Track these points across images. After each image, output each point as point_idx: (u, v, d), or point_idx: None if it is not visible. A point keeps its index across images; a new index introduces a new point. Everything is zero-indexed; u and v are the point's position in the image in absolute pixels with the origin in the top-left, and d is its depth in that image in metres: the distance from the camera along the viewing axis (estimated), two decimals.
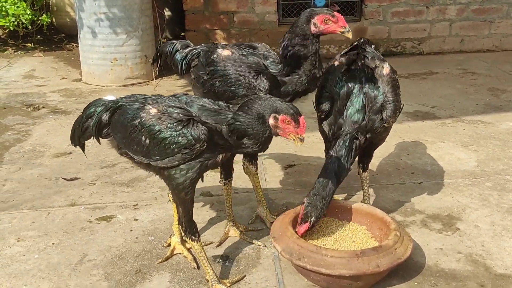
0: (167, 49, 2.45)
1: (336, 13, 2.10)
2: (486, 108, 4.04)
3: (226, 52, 2.20)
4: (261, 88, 2.07)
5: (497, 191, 2.73)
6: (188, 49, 2.39)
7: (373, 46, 2.45)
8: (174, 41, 2.47)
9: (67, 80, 4.99)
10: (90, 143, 3.42)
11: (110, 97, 2.10)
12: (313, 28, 2.10)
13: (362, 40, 2.45)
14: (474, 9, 5.78)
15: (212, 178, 2.92)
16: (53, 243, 2.34)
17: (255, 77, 2.10)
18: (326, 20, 2.08)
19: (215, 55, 2.21)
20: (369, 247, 2.06)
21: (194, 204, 1.98)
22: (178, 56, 2.40)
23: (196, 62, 2.32)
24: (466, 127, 3.66)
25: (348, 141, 2.15)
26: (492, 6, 5.78)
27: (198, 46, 2.40)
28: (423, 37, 5.81)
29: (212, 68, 2.19)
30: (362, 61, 2.32)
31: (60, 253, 2.26)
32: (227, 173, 2.28)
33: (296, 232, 2.06)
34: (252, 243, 2.30)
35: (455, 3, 5.72)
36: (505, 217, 2.48)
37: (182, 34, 5.94)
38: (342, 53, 2.38)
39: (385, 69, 2.28)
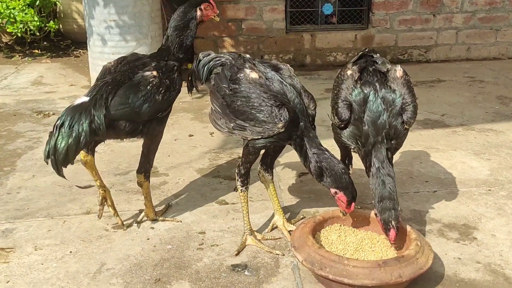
0: (193, 67, 2.47)
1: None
2: (496, 117, 4.05)
3: (254, 75, 2.19)
4: (282, 119, 2.08)
5: None
6: (210, 57, 2.40)
7: (378, 55, 2.46)
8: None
9: (76, 86, 5.00)
10: (102, 150, 3.46)
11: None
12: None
13: (367, 50, 2.47)
14: (481, 18, 5.80)
15: (226, 186, 2.93)
16: (70, 252, 2.34)
17: (279, 108, 2.10)
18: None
19: (242, 75, 2.21)
20: (388, 256, 2.06)
21: (210, 212, 1.96)
22: (201, 63, 2.42)
23: (218, 70, 2.33)
24: (477, 136, 3.66)
25: (383, 148, 2.15)
26: (498, 14, 5.81)
27: (222, 55, 2.40)
28: (430, 45, 5.83)
29: (237, 86, 2.18)
30: (373, 67, 2.33)
31: (78, 262, 2.26)
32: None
33: (315, 241, 2.06)
34: (271, 252, 2.30)
35: (461, 11, 5.74)
36: None
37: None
38: (352, 61, 2.40)
39: (398, 71, 2.29)
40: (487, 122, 3.94)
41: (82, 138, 2.15)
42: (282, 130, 2.10)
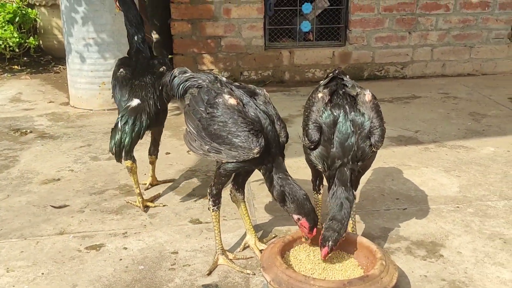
0: (166, 79, 2.52)
1: None
2: (467, 133, 4.16)
3: (232, 101, 2.23)
4: (257, 145, 2.14)
5: (478, 217, 2.81)
6: (186, 75, 2.45)
7: (347, 77, 2.53)
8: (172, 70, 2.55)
9: (55, 104, 5.00)
10: (78, 169, 3.47)
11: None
12: None
13: (337, 71, 2.54)
14: (455, 35, 5.95)
15: (201, 205, 2.96)
16: (42, 273, 2.35)
17: (255, 134, 2.15)
18: None
19: (220, 100, 2.24)
20: (356, 276, 2.11)
21: (183, 231, 1.97)
22: (176, 80, 2.47)
23: (194, 92, 2.36)
24: (448, 152, 3.75)
25: (348, 171, 2.21)
26: (472, 32, 5.96)
27: (199, 75, 2.44)
28: (406, 62, 5.96)
29: (215, 111, 2.22)
30: (343, 90, 2.39)
31: (49, 284, 2.27)
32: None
33: (283, 261, 2.10)
34: (242, 272, 2.33)
35: (436, 28, 5.88)
36: (487, 243, 2.56)
37: (170, 57, 6.00)
38: (322, 83, 2.46)
39: (367, 95, 2.35)
40: (459, 138, 4.04)
41: (141, 132, 2.76)
42: (257, 155, 2.15)
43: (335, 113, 2.29)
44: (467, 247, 2.53)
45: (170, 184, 3.27)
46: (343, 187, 2.19)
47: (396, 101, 5.06)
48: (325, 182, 2.68)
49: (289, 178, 2.23)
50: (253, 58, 5.67)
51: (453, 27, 5.91)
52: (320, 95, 2.38)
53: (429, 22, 5.85)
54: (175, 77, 2.49)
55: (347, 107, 2.32)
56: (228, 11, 5.48)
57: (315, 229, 2.20)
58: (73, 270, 2.37)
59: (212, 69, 5.62)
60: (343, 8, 5.76)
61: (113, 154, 2.77)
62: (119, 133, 2.73)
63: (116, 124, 2.75)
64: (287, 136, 2.32)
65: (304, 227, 2.20)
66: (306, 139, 2.33)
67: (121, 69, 2.99)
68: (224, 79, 2.42)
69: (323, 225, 2.18)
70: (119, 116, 2.77)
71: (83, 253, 2.50)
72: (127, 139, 2.73)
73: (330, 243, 2.12)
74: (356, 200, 2.51)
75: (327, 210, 2.24)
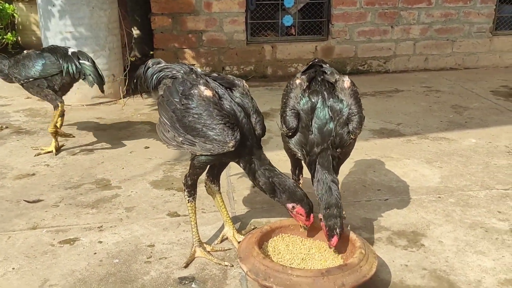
0: (141, 71, 2.46)
1: None
2: (450, 125, 4.14)
3: (207, 93, 2.16)
4: (232, 139, 2.08)
5: (460, 206, 2.79)
6: (160, 65, 2.38)
7: (327, 65, 2.49)
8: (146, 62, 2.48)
9: (32, 99, 4.89)
10: (54, 163, 3.39)
11: None
12: None
13: (316, 60, 2.50)
14: (437, 29, 5.95)
15: (179, 198, 2.90)
16: (13, 268, 2.27)
17: (230, 127, 2.09)
18: None
19: (195, 91, 2.17)
20: (335, 265, 2.06)
21: (161, 225, 1.92)
22: (150, 71, 2.41)
23: (169, 83, 2.30)
24: (430, 144, 3.73)
25: (328, 156, 2.17)
26: (454, 26, 5.97)
27: (173, 66, 2.38)
28: (389, 56, 5.95)
29: (189, 102, 2.15)
30: (322, 77, 2.35)
31: (20, 279, 2.19)
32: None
33: (261, 252, 2.05)
34: (219, 264, 2.28)
35: (418, 23, 5.88)
36: (468, 232, 2.53)
37: (151, 52, 5.93)
38: (301, 71, 2.42)
39: (346, 82, 2.32)
40: (441, 130, 4.02)
41: None
42: (232, 149, 2.09)
43: (313, 100, 2.25)
44: (448, 236, 2.50)
45: (145, 175, 3.20)
46: (326, 171, 2.14)
47: (378, 95, 5.04)
48: (305, 172, 2.64)
49: (276, 169, 2.19)
50: (235, 52, 5.61)
51: (435, 21, 5.91)
52: (298, 81, 2.34)
53: (411, 16, 5.84)
54: (148, 68, 2.43)
55: (325, 93, 2.27)
56: (209, 5, 5.42)
57: (311, 215, 2.15)
58: (45, 265, 2.29)
59: (194, 64, 5.55)
60: (325, 2, 5.72)
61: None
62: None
63: None
64: (263, 129, 2.27)
65: (301, 214, 2.15)
66: (283, 126, 2.28)
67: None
68: (199, 70, 2.37)
69: (320, 215, 2.13)
70: None
71: (56, 248, 2.43)
72: None
73: (337, 230, 2.07)
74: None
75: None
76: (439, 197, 2.91)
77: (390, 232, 2.55)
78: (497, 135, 3.89)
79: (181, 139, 2.17)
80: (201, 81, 2.22)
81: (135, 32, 6.53)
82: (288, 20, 5.70)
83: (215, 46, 5.56)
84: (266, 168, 2.17)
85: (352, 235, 2.17)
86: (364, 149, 3.60)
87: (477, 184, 3.06)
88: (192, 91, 2.18)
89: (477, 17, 5.98)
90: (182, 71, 2.34)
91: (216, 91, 2.20)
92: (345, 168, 3.26)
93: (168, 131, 2.23)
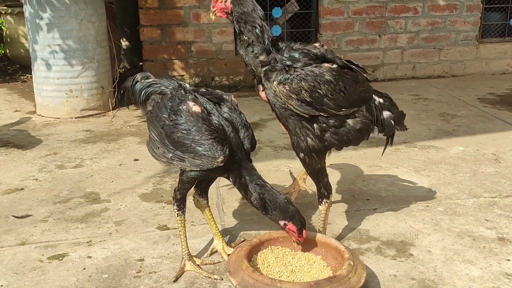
0: (128, 83, 2.46)
1: None
2: (437, 133, 4.18)
3: (196, 109, 2.17)
4: (222, 154, 2.09)
5: (448, 215, 2.81)
6: (149, 80, 2.39)
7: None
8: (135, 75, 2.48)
9: (21, 112, 4.88)
10: (43, 177, 3.38)
11: None
12: None
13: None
14: (424, 37, 6.02)
15: (169, 211, 2.90)
16: (1, 286, 2.25)
17: (219, 143, 2.11)
18: None
19: (184, 107, 2.18)
20: (324, 277, 2.07)
21: (150, 238, 1.91)
22: (138, 86, 2.41)
23: (157, 98, 2.31)
24: (418, 152, 3.76)
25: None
26: (440, 34, 6.04)
27: (161, 81, 2.38)
28: (377, 64, 6.00)
29: (178, 118, 2.16)
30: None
31: None
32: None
33: (250, 265, 2.06)
34: (209, 277, 2.28)
35: (405, 31, 5.94)
36: (456, 241, 2.55)
37: (140, 64, 5.94)
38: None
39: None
40: (429, 139, 4.06)
41: None
42: (222, 164, 2.10)
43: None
44: (437, 246, 2.52)
45: (135, 188, 3.19)
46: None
47: None
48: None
49: (267, 184, 2.20)
50: (224, 63, 5.63)
51: (422, 30, 5.98)
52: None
53: (399, 25, 5.91)
54: (137, 82, 2.43)
55: None
56: (197, 16, 5.44)
57: (304, 231, 2.17)
58: (33, 281, 2.28)
59: (183, 75, 5.57)
60: (313, 12, 5.77)
61: None
62: None
63: None
64: (252, 143, 2.28)
65: (293, 231, 2.17)
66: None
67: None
68: (187, 85, 2.38)
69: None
70: None
71: (45, 263, 2.42)
72: None
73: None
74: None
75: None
76: (427, 206, 2.93)
77: (379, 242, 2.57)
78: (484, 143, 3.93)
79: (170, 155, 2.18)
80: (189, 97, 2.23)
81: (124, 43, 6.54)
82: (276, 31, 5.73)
83: (204, 57, 5.58)
84: (257, 184, 2.18)
85: (341, 247, 2.18)
86: (353, 158, 3.62)
87: (465, 193, 3.09)
88: (180, 107, 2.19)
89: (463, 25, 6.05)
90: (170, 87, 2.34)
91: (204, 107, 2.21)
92: (335, 178, 3.28)
93: (158, 147, 2.24)
